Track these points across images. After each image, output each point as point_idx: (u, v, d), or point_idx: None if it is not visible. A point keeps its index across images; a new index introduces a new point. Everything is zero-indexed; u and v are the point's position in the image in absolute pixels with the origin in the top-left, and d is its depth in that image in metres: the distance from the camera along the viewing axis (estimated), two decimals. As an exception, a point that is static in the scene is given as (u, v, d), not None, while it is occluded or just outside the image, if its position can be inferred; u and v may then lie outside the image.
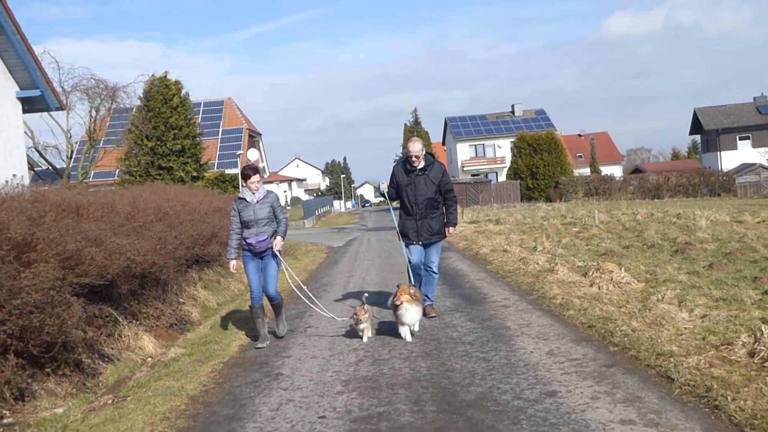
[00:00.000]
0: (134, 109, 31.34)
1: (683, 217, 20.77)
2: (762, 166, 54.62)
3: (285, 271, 7.72)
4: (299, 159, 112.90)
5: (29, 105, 17.50)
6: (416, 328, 6.72)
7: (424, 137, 71.07)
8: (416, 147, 7.59)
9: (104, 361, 8.21)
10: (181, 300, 11.52)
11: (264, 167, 52.97)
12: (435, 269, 7.78)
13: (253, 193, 7.39)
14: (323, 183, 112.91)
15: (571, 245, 14.14)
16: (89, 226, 8.69)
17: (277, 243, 7.35)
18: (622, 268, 9.00)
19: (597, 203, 40.64)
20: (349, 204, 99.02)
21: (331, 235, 27.09)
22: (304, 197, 77.53)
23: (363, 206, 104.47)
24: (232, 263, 7.62)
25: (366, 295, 7.18)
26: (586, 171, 68.11)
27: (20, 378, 6.73)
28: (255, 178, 7.39)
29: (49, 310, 6.82)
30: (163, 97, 33.09)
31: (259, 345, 7.21)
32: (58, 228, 7.94)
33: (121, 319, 9.11)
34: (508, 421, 4.11)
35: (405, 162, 7.83)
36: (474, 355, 5.78)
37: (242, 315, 9.61)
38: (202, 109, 47.52)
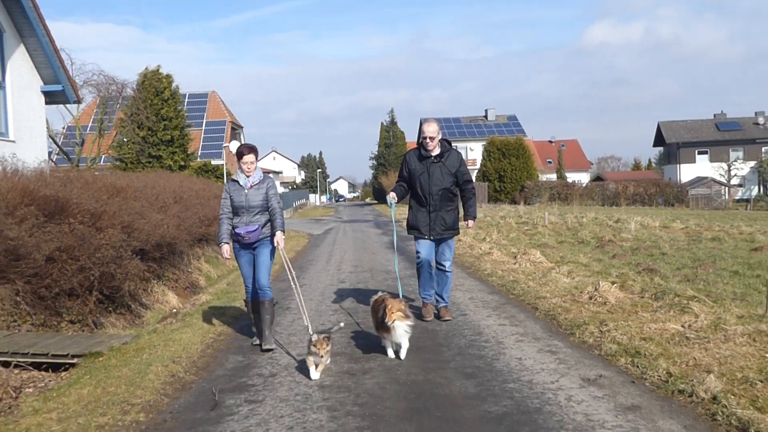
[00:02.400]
0: (129, 100, 33.31)
1: (621, 222, 23.81)
2: (713, 180, 58.45)
3: (288, 272, 6.60)
4: (276, 152, 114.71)
5: (50, 98, 19.78)
6: (404, 351, 5.64)
7: (400, 137, 73.74)
8: (431, 128, 6.81)
9: (144, 308, 10.82)
10: (190, 269, 14.09)
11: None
12: (448, 267, 7.16)
13: (247, 176, 6.43)
14: (299, 176, 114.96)
15: (516, 239, 17.00)
16: (134, 204, 11.35)
17: (279, 239, 6.38)
18: (542, 254, 11.84)
19: (558, 207, 43.74)
20: (323, 198, 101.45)
21: (310, 225, 29.73)
22: (281, 190, 79.86)
23: (337, 201, 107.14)
24: (225, 247, 6.52)
25: (342, 325, 6.37)
26: (554, 176, 71.36)
27: (97, 311, 9.33)
28: (249, 157, 6.39)
29: (118, 262, 9.43)
30: (156, 89, 35.23)
31: (257, 341, 6.52)
32: (116, 204, 10.61)
33: (152, 279, 11.71)
34: (434, 324, 6.84)
35: (418, 148, 7.06)
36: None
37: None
38: (186, 100, 49.55)
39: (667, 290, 7.54)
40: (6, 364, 6.40)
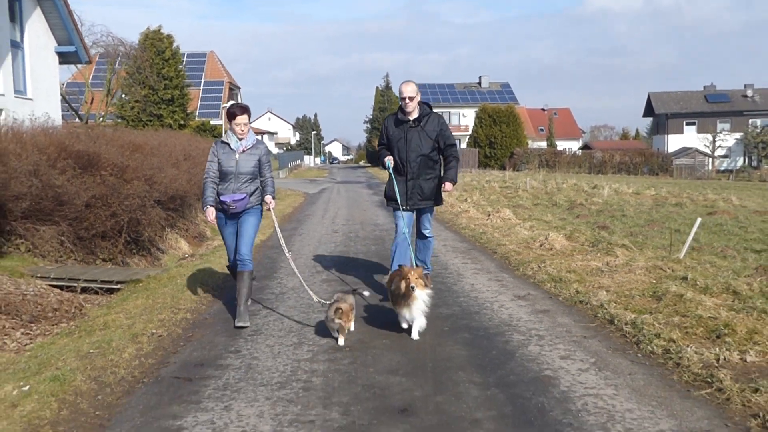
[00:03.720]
0: (132, 59, 34.20)
1: (597, 188, 25.42)
2: (698, 151, 60.03)
3: (279, 239, 6.35)
4: (271, 112, 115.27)
5: (63, 58, 21.06)
6: (416, 328, 5.13)
7: (395, 101, 74.70)
8: (409, 88, 6.35)
9: (161, 253, 12.37)
10: (197, 221, 15.62)
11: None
12: (429, 234, 6.77)
13: (239, 139, 5.85)
14: (293, 138, 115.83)
15: (495, 200, 18.58)
16: (153, 160, 12.82)
17: (269, 201, 5.94)
18: (513, 213, 13.44)
19: (544, 174, 45.29)
20: (318, 160, 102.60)
21: (305, 185, 31.23)
22: (275, 150, 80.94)
23: (331, 163, 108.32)
24: (211, 209, 5.89)
25: (366, 294, 5.85)
26: (545, 144, 72.62)
27: (125, 252, 10.88)
28: (243, 118, 5.82)
29: (143, 210, 10.94)
30: (157, 49, 36.18)
31: (240, 324, 5.59)
32: (138, 159, 12.09)
33: (167, 227, 13.24)
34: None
35: (397, 112, 6.61)
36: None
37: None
38: (185, 60, 50.37)
39: (603, 240, 9.16)
40: (63, 288, 7.98)
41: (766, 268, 7.35)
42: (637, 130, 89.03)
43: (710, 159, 60.55)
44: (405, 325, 5.23)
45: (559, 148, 68.40)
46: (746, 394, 3.65)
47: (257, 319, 5.81)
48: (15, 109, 15.62)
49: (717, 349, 4.35)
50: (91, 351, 4.77)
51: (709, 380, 3.92)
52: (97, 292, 8.17)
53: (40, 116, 13.32)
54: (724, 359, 4.20)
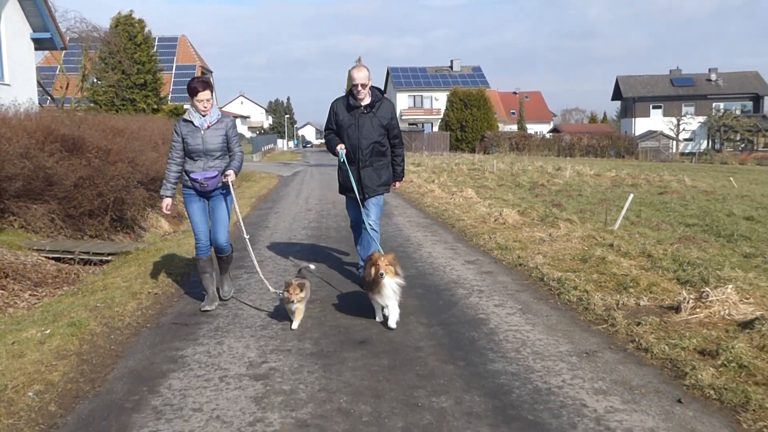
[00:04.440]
0: (103, 44, 34.34)
1: (561, 170, 26.55)
2: (662, 134, 61.76)
3: (236, 213, 6.06)
4: (243, 96, 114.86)
5: (39, 44, 21.41)
6: (393, 318, 4.99)
7: (367, 85, 75.31)
8: (362, 74, 6.11)
9: (143, 231, 13.09)
10: (176, 202, 16.31)
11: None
12: (375, 226, 6.51)
13: (203, 116, 5.62)
14: (266, 122, 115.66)
15: (461, 181, 19.54)
16: (134, 143, 13.51)
17: (230, 175, 5.66)
18: (475, 192, 14.40)
19: (514, 157, 46.45)
20: (291, 143, 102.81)
21: (279, 168, 31.92)
22: (248, 134, 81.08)
23: (304, 146, 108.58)
24: (166, 201, 5.76)
25: (310, 267, 5.76)
26: (516, 127, 73.84)
27: (111, 229, 11.59)
28: (204, 94, 5.57)
29: (127, 190, 11.65)
30: (129, 34, 36.34)
31: (206, 307, 5.62)
32: (121, 143, 12.77)
33: (148, 207, 13.94)
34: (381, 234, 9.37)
35: (347, 96, 6.34)
36: (371, 224, 11.00)
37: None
38: (157, 44, 50.38)
39: (551, 215, 10.14)
40: (58, 259, 8.72)
41: (687, 238, 8.39)
42: (605, 114, 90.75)
43: (674, 142, 62.28)
44: (379, 317, 5.13)
45: (530, 131, 69.76)
46: (631, 327, 4.62)
47: (240, 282, 6.65)
48: (-6, 94, 16.10)
49: (619, 297, 5.33)
50: (98, 305, 5.58)
51: (606, 318, 4.89)
52: (87, 264, 8.92)
53: (24, 102, 13.88)
54: (623, 304, 5.18)
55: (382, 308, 5.09)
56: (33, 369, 4.06)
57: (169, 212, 5.89)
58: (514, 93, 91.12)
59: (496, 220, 10.06)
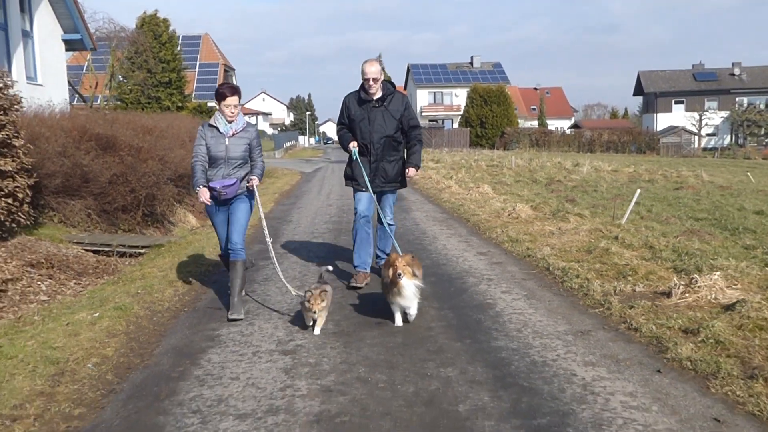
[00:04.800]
0: (130, 43, 35.16)
1: (579, 166, 26.79)
2: (684, 129, 61.43)
3: (259, 210, 5.94)
4: (265, 93, 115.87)
5: (69, 45, 22.19)
6: (412, 315, 5.08)
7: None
8: (374, 68, 6.09)
9: (172, 225, 13.69)
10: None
11: (236, 101, 57.44)
12: (391, 221, 6.52)
13: (229, 122, 5.62)
14: (288, 118, 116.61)
15: (479, 177, 19.94)
16: (163, 141, 14.12)
17: (254, 180, 5.71)
18: (491, 188, 14.81)
19: (533, 153, 46.62)
20: (312, 140, 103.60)
21: (300, 164, 32.53)
22: (269, 131, 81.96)
23: (325, 143, 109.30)
24: (203, 191, 5.55)
25: (329, 269, 5.70)
26: (537, 123, 73.75)
27: (142, 224, 12.19)
28: (233, 99, 5.57)
29: (158, 186, 12.24)
30: (154, 33, 37.19)
31: (234, 316, 5.36)
32: (151, 141, 13.38)
33: (176, 203, 14.55)
34: (399, 228, 9.86)
35: (359, 91, 6.31)
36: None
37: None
38: (181, 42, 51.30)
39: (563, 210, 10.54)
40: (96, 252, 9.32)
41: (692, 231, 8.75)
42: (626, 110, 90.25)
43: (696, 137, 61.91)
44: (399, 322, 5.07)
45: (550, 127, 69.67)
46: (624, 310, 5.05)
47: (266, 271, 7.16)
48: (28, 95, 16.83)
49: (617, 284, 5.77)
50: (139, 292, 6.13)
51: (603, 303, 5.33)
52: (122, 256, 9.52)
53: (59, 102, 14.56)
54: (620, 290, 5.61)
55: (403, 312, 5.07)
56: (89, 345, 4.60)
57: (209, 203, 5.60)
58: (535, 89, 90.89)
59: (509, 215, 10.48)
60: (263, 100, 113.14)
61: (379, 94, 6.24)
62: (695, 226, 9.65)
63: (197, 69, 51.21)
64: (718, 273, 5.30)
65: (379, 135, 6.24)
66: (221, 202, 5.71)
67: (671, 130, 61.62)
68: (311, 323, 4.94)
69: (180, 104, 38.26)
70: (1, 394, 3.75)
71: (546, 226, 9.20)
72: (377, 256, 6.80)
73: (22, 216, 8.46)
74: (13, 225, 8.37)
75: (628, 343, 4.41)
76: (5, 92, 8.30)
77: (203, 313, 5.54)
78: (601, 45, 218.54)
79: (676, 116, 66.70)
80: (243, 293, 5.74)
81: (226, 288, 6.40)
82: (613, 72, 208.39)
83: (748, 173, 23.88)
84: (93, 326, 5.03)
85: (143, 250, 9.46)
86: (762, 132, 62.48)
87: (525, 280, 6.36)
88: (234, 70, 57.80)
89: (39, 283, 7.08)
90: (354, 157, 6.30)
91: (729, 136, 65.62)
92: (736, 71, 69.05)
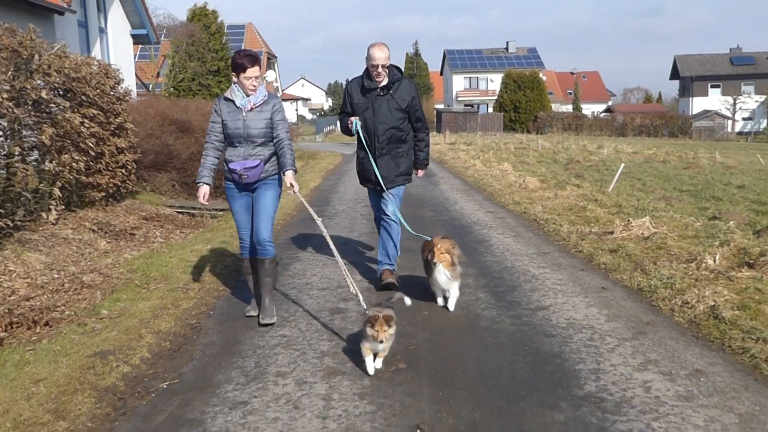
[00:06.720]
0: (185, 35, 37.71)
1: (601, 148, 28.53)
2: (717, 113, 61.83)
3: (316, 221, 5.15)
4: (304, 79, 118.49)
5: (136, 39, 24.85)
6: (452, 302, 5.09)
7: (423, 68, 77.37)
8: (380, 54, 5.54)
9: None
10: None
11: (278, 87, 59.97)
12: (394, 218, 6.01)
13: (247, 95, 4.91)
14: (326, 103, 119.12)
15: (504, 158, 21.95)
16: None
17: (291, 180, 4.86)
18: (511, 166, 16.88)
19: (564, 137, 48.09)
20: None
21: (341, 147, 34.88)
22: (309, 116, 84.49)
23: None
24: (203, 189, 5.07)
25: (408, 302, 4.68)
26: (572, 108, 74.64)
27: (214, 195, 14.54)
28: (254, 71, 4.85)
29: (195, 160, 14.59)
30: (204, 24, 39.76)
31: (251, 312, 5.22)
32: (196, 116, 15.71)
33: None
34: (419, 192, 12.04)
35: (362, 77, 5.78)
36: (422, 187, 13.62)
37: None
38: (226, 31, 53.97)
39: (565, 182, 12.59)
40: (182, 213, 11.73)
41: (665, 197, 10.74)
42: (659, 94, 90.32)
43: (730, 121, 62.18)
44: (441, 302, 5.16)
45: (585, 111, 70.55)
46: (578, 241, 7.22)
47: (307, 253, 9.43)
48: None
49: (579, 227, 7.89)
50: (229, 238, 8.46)
51: (566, 239, 7.49)
52: (202, 216, 11.93)
53: (134, 92, 17.05)
54: (580, 231, 7.74)
55: (443, 292, 5.09)
56: (214, 260, 6.94)
57: (207, 202, 5.15)
58: (572, 73, 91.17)
59: (519, 186, 12.58)
60: (302, 85, 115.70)
61: (385, 81, 5.67)
62: (673, 194, 11.60)
63: (242, 57, 53.68)
64: (647, 217, 7.37)
65: (384, 126, 5.72)
66: (244, 187, 5.06)
67: (704, 114, 62.06)
68: (370, 357, 3.96)
69: (227, 91, 40.80)
70: (173, 279, 6.10)
71: (546, 193, 11.30)
72: (379, 261, 6.16)
73: (130, 183, 10.88)
74: (124, 190, 10.80)
75: (571, 258, 6.60)
76: (120, 86, 10.72)
77: (282, 252, 7.85)
78: (642, 28, 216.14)
79: (711, 100, 66.72)
80: (273, 292, 5.23)
81: (292, 235, 8.69)
82: (652, 55, 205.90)
83: (758, 155, 25.34)
84: (207, 254, 7.37)
85: (221, 212, 11.85)
86: (798, 116, 62.42)
87: (516, 227, 8.54)
88: (276, 57, 60.32)
89: (155, 231, 9.48)
90: (354, 131, 5.81)
91: (765, 120, 65.53)
92: (774, 55, 68.69)
